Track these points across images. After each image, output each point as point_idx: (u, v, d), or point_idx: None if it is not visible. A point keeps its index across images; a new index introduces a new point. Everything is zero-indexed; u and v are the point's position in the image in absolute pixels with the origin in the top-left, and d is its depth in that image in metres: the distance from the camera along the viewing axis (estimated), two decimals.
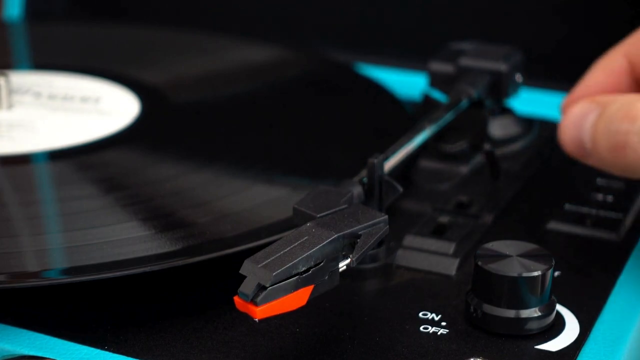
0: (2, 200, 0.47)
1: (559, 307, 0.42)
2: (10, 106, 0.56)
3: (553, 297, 0.41)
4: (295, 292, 0.38)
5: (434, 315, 0.42)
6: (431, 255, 0.45)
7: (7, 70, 0.58)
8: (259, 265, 0.37)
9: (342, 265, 0.39)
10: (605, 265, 0.46)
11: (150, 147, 0.52)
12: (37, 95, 0.58)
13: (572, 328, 0.41)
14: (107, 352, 0.39)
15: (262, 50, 0.66)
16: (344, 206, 0.41)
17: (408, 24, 0.71)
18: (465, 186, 0.51)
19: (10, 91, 0.57)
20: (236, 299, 0.37)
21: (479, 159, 0.53)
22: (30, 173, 0.50)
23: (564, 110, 0.49)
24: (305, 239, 0.39)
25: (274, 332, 0.40)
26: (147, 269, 0.41)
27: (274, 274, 0.37)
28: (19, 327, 0.40)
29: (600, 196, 0.50)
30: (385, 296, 0.43)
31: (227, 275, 0.44)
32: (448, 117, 0.50)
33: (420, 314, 0.42)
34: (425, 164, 0.53)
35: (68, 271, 0.41)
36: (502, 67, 0.53)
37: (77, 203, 0.46)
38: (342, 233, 0.39)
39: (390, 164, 0.45)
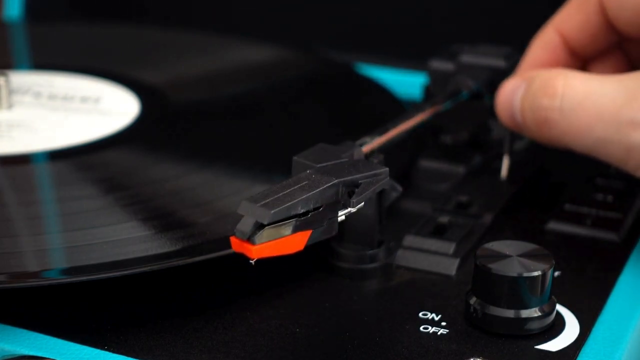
0: (2, 200, 0.47)
1: (559, 307, 0.42)
2: (10, 106, 0.56)
3: (553, 297, 0.41)
4: (293, 235, 0.38)
5: (434, 315, 0.42)
6: (431, 255, 0.45)
7: (7, 70, 0.58)
8: (258, 204, 0.37)
9: (342, 214, 0.39)
10: (605, 265, 0.46)
11: (150, 147, 0.52)
12: (37, 95, 0.58)
13: (572, 328, 0.41)
14: (107, 352, 0.39)
15: (262, 50, 0.66)
16: (344, 159, 0.41)
17: (408, 24, 0.71)
18: (465, 186, 0.51)
19: (10, 91, 0.57)
20: (232, 238, 0.37)
21: (478, 159, 0.53)
22: (30, 173, 0.50)
23: None
24: (305, 183, 0.39)
25: (274, 332, 0.40)
26: (147, 269, 0.41)
27: (272, 211, 0.36)
28: (19, 327, 0.40)
29: (600, 196, 0.50)
30: (385, 296, 0.43)
31: (227, 275, 0.44)
32: (447, 105, 0.50)
33: (420, 314, 0.42)
34: (425, 164, 0.53)
35: (68, 271, 0.41)
36: (501, 63, 0.53)
37: (77, 203, 0.46)
38: (342, 179, 0.39)
39: (384, 138, 0.45)
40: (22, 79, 0.60)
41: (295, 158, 0.41)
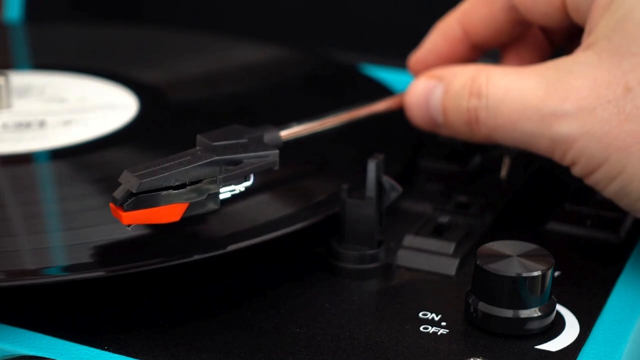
0: (3, 199, 0.47)
1: (559, 307, 0.42)
2: (10, 106, 0.56)
3: (553, 297, 0.41)
4: (168, 206, 0.39)
5: (434, 315, 0.42)
6: (431, 255, 0.45)
7: (7, 70, 0.58)
8: (133, 174, 0.39)
9: (225, 190, 0.41)
10: (605, 265, 0.46)
11: (150, 147, 0.52)
12: (37, 95, 0.58)
13: (572, 328, 0.41)
14: (107, 352, 0.39)
15: (262, 50, 0.66)
16: (243, 140, 0.42)
17: (409, 24, 0.70)
18: (465, 186, 0.51)
19: (10, 91, 0.57)
20: (111, 204, 0.39)
21: (478, 159, 0.53)
22: (30, 172, 0.50)
23: (409, 67, 0.53)
24: (187, 159, 0.40)
25: (274, 332, 0.40)
26: (147, 269, 0.41)
27: (141, 181, 0.38)
28: (19, 327, 0.40)
29: (600, 196, 0.50)
30: (385, 296, 0.43)
31: (227, 275, 0.44)
32: None
33: (420, 314, 0.42)
34: (425, 164, 0.53)
35: (68, 269, 0.41)
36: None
37: (77, 202, 0.46)
38: (222, 157, 0.40)
39: (309, 127, 0.47)
40: (22, 79, 0.60)
41: (198, 136, 0.43)
